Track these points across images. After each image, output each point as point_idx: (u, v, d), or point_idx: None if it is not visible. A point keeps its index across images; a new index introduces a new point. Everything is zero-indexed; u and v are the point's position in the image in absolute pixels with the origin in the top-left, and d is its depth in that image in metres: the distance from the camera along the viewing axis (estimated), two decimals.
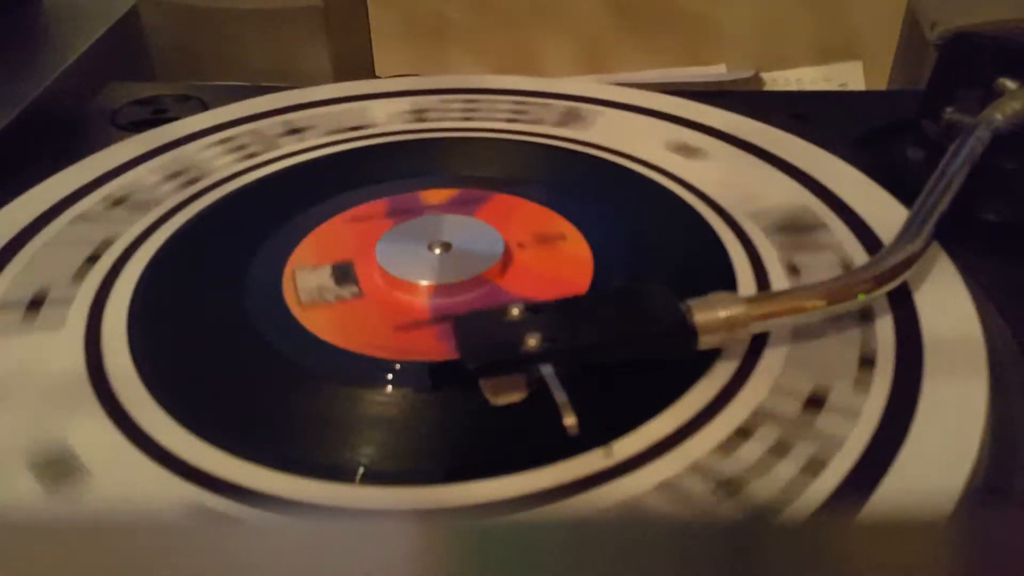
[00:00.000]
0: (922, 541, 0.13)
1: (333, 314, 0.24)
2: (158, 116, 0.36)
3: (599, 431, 0.20)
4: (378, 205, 0.29)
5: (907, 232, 0.24)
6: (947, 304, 0.24)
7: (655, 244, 0.27)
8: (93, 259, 0.26)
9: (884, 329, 0.23)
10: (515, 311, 0.21)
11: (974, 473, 0.19)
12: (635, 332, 0.21)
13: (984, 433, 0.20)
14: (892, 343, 0.23)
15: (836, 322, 0.23)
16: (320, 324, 0.24)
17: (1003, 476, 0.20)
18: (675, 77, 0.48)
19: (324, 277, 0.25)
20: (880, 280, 0.23)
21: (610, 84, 0.35)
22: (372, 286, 0.25)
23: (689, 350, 0.21)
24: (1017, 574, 0.12)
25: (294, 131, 0.33)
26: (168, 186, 0.30)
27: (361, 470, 0.20)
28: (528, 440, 0.21)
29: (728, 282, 0.25)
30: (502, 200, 0.29)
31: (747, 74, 0.48)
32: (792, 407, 0.21)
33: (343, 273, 0.26)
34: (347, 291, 0.25)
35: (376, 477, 0.20)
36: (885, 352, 0.22)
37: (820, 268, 0.25)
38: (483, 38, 0.50)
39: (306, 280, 0.25)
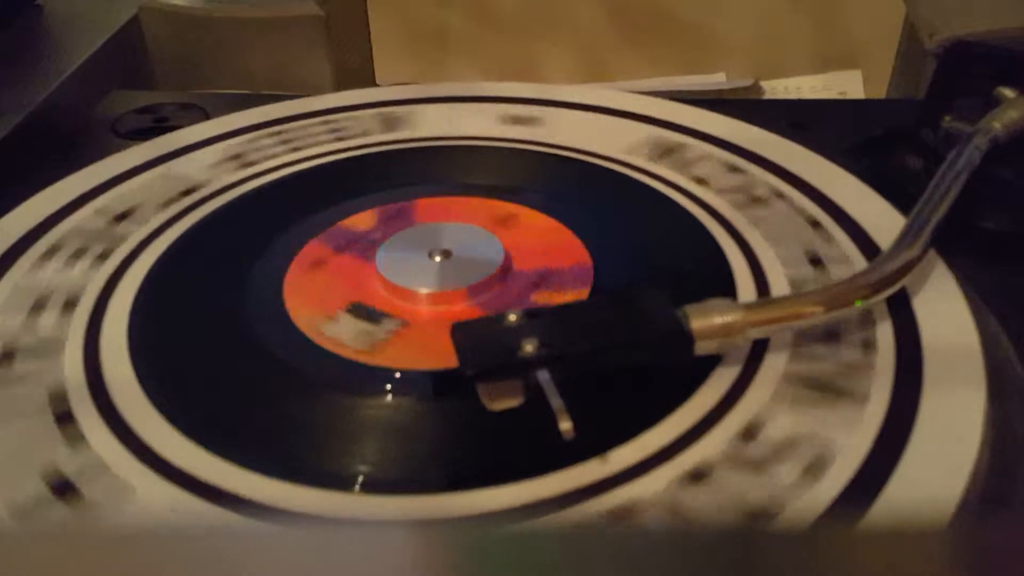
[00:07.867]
0: (924, 549, 0.13)
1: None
2: (159, 125, 0.36)
3: (597, 439, 0.20)
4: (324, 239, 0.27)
5: (904, 238, 0.24)
6: (945, 312, 0.24)
7: (655, 251, 0.27)
8: (93, 268, 0.26)
9: (884, 336, 0.23)
10: (513, 317, 0.21)
11: (973, 480, 0.19)
12: (631, 337, 0.21)
13: (982, 440, 0.20)
14: (892, 350, 0.23)
15: (836, 328, 0.23)
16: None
17: (1002, 483, 0.20)
18: (675, 86, 0.49)
19: (352, 322, 0.24)
20: (877, 287, 0.23)
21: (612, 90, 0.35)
22: (407, 313, 0.24)
23: (686, 356, 0.21)
24: None
25: (288, 141, 0.33)
26: (168, 195, 0.30)
27: (360, 478, 0.20)
28: (525, 450, 0.21)
29: (728, 289, 0.25)
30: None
31: (747, 83, 0.48)
32: (791, 414, 0.21)
33: (365, 312, 0.24)
34: (391, 324, 0.24)
35: (373, 486, 0.20)
36: (885, 359, 0.22)
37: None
38: (484, 47, 0.50)
39: (340, 330, 0.24)
